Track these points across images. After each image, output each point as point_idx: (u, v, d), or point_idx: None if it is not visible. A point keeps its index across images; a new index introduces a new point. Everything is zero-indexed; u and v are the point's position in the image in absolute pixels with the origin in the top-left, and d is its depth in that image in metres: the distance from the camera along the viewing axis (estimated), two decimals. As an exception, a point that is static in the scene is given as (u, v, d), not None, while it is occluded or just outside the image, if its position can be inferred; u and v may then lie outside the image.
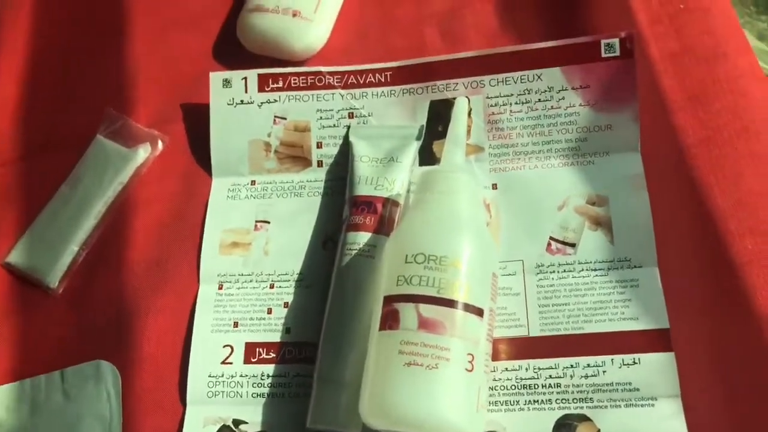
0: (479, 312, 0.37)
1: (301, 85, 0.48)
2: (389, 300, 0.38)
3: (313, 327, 0.43)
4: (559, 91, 0.45)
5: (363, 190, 0.45)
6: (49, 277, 0.46)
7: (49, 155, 0.51)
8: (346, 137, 0.48)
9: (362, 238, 0.43)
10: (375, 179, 0.45)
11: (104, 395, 0.43)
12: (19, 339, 0.45)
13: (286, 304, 0.44)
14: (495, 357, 0.41)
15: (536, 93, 0.46)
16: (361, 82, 0.48)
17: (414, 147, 0.46)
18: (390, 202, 0.44)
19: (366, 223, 0.43)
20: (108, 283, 0.46)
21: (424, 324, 0.36)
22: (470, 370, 0.36)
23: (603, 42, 0.44)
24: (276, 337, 0.43)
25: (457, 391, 0.36)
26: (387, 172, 0.45)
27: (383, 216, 0.44)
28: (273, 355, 0.43)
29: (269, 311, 0.44)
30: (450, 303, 0.36)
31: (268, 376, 0.43)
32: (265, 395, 0.42)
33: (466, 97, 0.46)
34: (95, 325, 0.45)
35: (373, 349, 0.38)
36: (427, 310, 0.36)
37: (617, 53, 0.44)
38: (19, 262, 0.47)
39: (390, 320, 0.37)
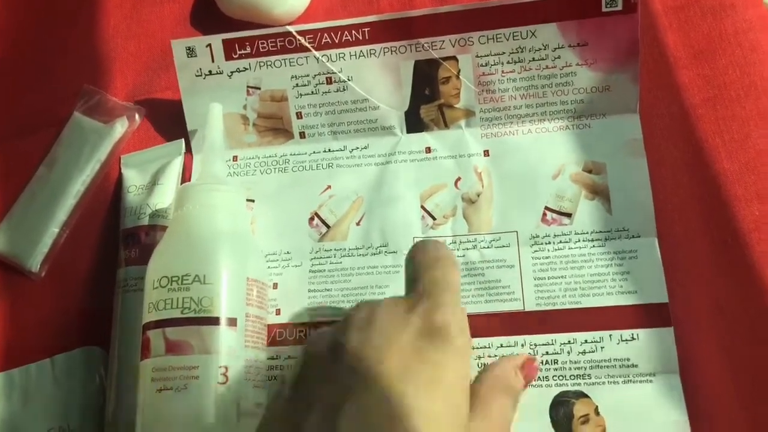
0: (231, 322, 0.37)
1: (271, 49, 0.44)
2: (144, 329, 0.38)
3: (304, 307, 0.42)
4: (555, 49, 0.42)
5: (128, 222, 0.44)
6: (30, 262, 0.45)
7: (28, 137, 0.48)
8: (326, 107, 0.45)
9: (132, 272, 0.42)
10: (138, 208, 0.44)
11: (96, 380, 0.42)
12: (4, 326, 0.44)
13: (275, 285, 0.43)
14: (490, 333, 0.39)
15: (530, 51, 0.43)
16: (336, 41, 0.44)
17: (177, 162, 0.45)
18: (154, 229, 0.43)
19: (132, 257, 0.43)
20: (91, 263, 0.45)
21: (171, 347, 0.36)
22: (223, 383, 0.36)
23: None
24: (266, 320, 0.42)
25: (209, 407, 0.36)
26: (149, 198, 0.44)
27: (146, 245, 0.42)
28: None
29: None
30: (194, 321, 0.36)
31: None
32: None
33: (455, 56, 0.43)
34: (80, 307, 0.44)
35: (137, 381, 0.38)
36: (173, 333, 0.36)
37: (619, 7, 0.41)
38: (-1, 248, 0.46)
39: (144, 349, 0.37)
